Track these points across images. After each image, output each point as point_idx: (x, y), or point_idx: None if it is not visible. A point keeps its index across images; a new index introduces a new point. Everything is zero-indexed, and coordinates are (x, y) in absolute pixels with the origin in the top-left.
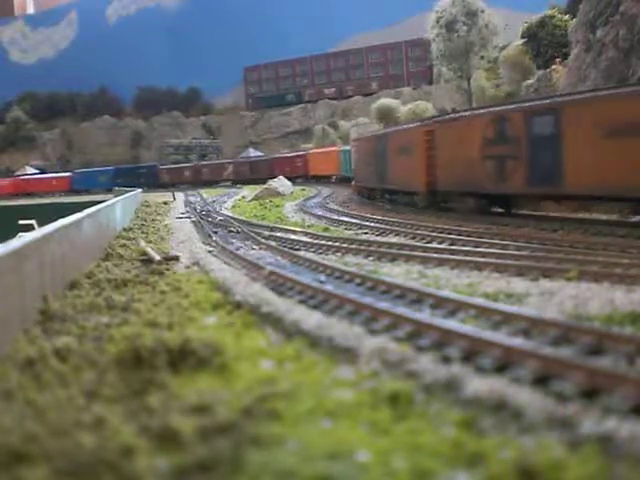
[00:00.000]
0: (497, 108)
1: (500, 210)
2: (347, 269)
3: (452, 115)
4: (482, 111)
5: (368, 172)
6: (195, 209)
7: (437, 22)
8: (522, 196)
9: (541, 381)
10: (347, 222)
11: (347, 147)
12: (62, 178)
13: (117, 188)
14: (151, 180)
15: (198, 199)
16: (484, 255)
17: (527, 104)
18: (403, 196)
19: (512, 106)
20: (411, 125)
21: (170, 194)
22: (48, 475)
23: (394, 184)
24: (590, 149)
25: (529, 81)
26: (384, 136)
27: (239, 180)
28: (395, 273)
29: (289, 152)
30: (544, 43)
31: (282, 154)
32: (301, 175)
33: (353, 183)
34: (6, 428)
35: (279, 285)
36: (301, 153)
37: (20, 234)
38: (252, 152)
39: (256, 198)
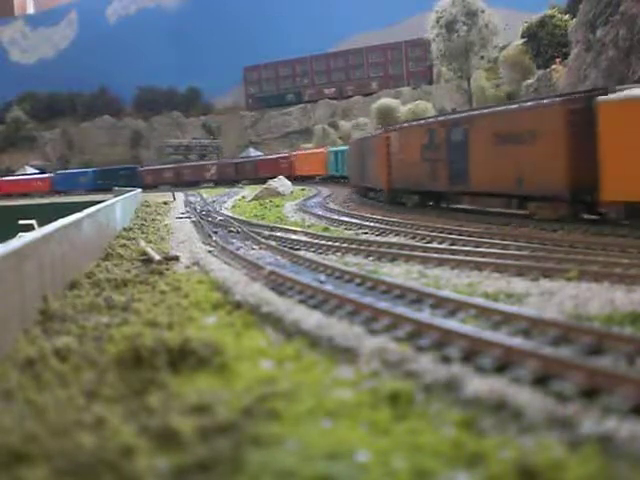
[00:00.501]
0: (430, 120)
1: (444, 205)
2: (347, 269)
3: (403, 125)
4: (422, 122)
5: (357, 171)
6: (195, 209)
7: (437, 22)
8: (448, 193)
9: (541, 381)
10: (347, 222)
11: (335, 148)
12: (43, 179)
13: (117, 188)
14: (132, 181)
15: (198, 199)
16: (484, 255)
17: (449, 117)
18: (376, 192)
19: (440, 118)
20: (378, 131)
21: (170, 194)
22: (48, 475)
23: (370, 182)
24: (485, 154)
25: (529, 81)
26: (365, 140)
27: (222, 181)
28: (395, 273)
29: (274, 153)
30: (544, 43)
31: (267, 155)
32: (286, 176)
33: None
34: (6, 428)
35: (279, 285)
36: (286, 154)
37: (20, 234)
38: (252, 152)
39: (256, 198)
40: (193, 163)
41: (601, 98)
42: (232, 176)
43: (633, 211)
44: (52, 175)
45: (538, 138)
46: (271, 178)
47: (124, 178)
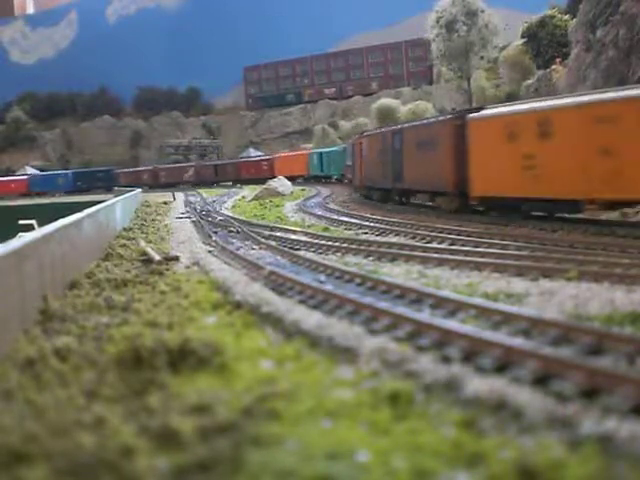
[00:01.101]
0: (383, 129)
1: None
2: (347, 269)
3: (369, 132)
4: (379, 130)
5: (350, 171)
6: (195, 209)
7: (437, 22)
8: (392, 189)
9: (541, 381)
10: (347, 222)
11: (318, 150)
12: (20, 181)
13: (117, 188)
14: (109, 183)
15: (198, 199)
16: (484, 255)
17: (392, 127)
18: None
19: (387, 128)
20: (355, 136)
21: (170, 194)
22: (48, 475)
23: (354, 181)
24: (413, 158)
25: (529, 81)
26: (353, 143)
27: (201, 183)
28: (395, 273)
29: (255, 156)
30: (544, 43)
31: (248, 158)
32: (268, 177)
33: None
34: (6, 428)
35: (279, 285)
36: (267, 157)
37: (20, 234)
38: (252, 152)
39: (256, 198)
40: (170, 165)
41: (469, 116)
42: (211, 178)
43: (487, 203)
44: (29, 177)
45: (438, 147)
46: (251, 179)
47: (101, 180)
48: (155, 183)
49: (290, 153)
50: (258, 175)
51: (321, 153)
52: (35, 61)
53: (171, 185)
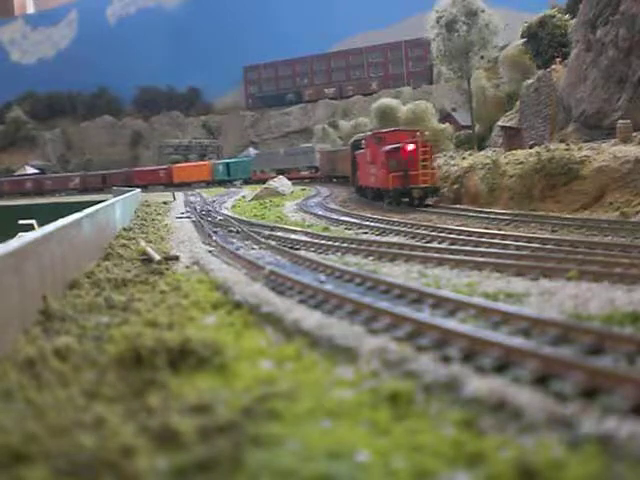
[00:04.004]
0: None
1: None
2: (347, 269)
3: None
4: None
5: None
6: (195, 209)
7: (437, 22)
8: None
9: (541, 381)
10: (347, 222)
11: (225, 160)
12: None
13: (115, 188)
14: None
15: (198, 199)
16: (484, 255)
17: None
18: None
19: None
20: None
21: (170, 194)
22: (48, 475)
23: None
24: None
25: (529, 81)
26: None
27: (87, 190)
28: (395, 273)
29: (153, 165)
30: (544, 43)
31: (144, 167)
32: (164, 183)
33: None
34: (6, 428)
35: (279, 285)
36: (165, 166)
37: (20, 234)
38: (252, 152)
39: (256, 198)
40: (54, 175)
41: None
42: (99, 185)
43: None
44: None
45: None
46: (147, 185)
47: None
48: (39, 190)
49: (191, 163)
50: (156, 181)
51: (228, 163)
52: (35, 61)
53: (56, 191)
